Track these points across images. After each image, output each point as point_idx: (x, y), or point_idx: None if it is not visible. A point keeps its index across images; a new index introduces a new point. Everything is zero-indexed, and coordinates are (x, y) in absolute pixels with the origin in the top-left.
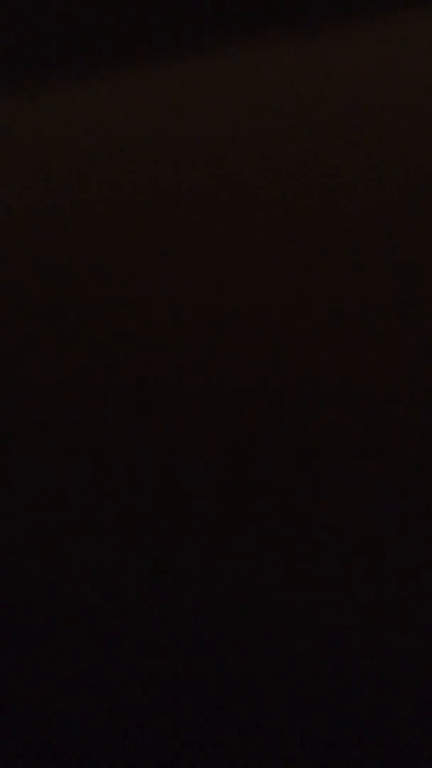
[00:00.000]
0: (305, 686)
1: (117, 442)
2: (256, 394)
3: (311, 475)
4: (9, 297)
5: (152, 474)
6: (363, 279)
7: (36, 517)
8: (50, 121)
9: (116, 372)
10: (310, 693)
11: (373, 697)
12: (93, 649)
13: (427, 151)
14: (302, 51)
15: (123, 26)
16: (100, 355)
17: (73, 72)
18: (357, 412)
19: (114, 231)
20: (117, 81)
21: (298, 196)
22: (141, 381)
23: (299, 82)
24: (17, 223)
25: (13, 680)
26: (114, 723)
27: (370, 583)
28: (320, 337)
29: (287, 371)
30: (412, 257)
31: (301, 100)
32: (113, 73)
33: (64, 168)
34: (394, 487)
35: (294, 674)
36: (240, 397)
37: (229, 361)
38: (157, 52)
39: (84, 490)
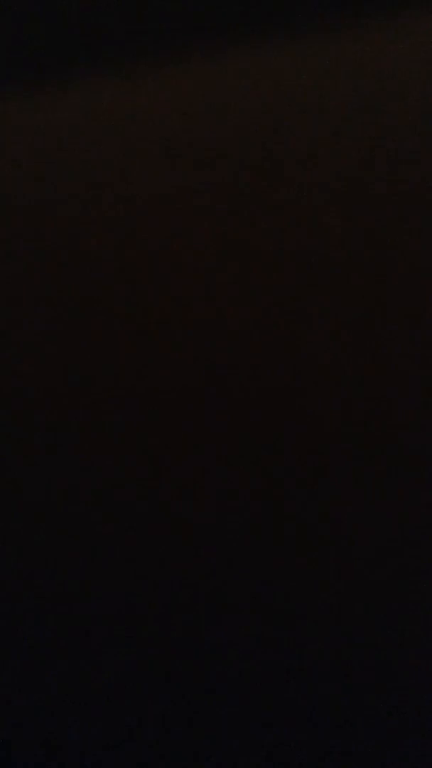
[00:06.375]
0: (305, 687)
1: (117, 443)
2: (257, 393)
3: (312, 476)
4: (10, 296)
5: (152, 473)
6: (364, 279)
7: (36, 517)
8: (50, 121)
9: (117, 369)
10: (311, 694)
11: (374, 697)
12: (92, 650)
13: (428, 151)
14: (302, 51)
15: (124, 27)
16: (101, 353)
17: (73, 72)
18: (357, 412)
19: (114, 230)
20: (117, 81)
21: (299, 196)
22: (141, 378)
23: (299, 83)
24: (18, 222)
25: (13, 680)
26: (113, 724)
27: (370, 583)
28: (321, 336)
29: (289, 371)
30: (413, 256)
31: (301, 100)
32: (113, 73)
33: (64, 167)
34: (394, 485)
35: (293, 676)
36: (241, 396)
37: (231, 359)
38: (157, 52)
39: (84, 489)
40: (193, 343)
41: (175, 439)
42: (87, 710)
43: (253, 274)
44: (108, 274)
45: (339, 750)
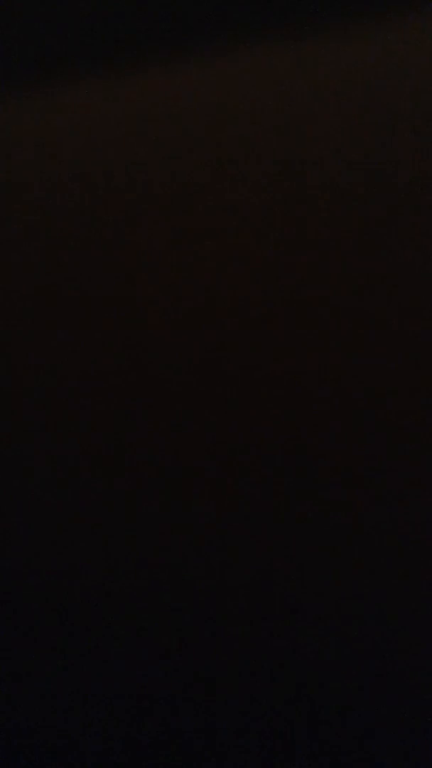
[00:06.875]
0: (305, 689)
1: (116, 443)
2: (256, 392)
3: (311, 476)
4: (10, 296)
5: (151, 473)
6: (363, 279)
7: (36, 514)
8: (50, 121)
9: (116, 371)
10: (310, 696)
11: (374, 695)
12: (92, 647)
13: (427, 151)
14: (302, 52)
15: (124, 27)
16: (100, 354)
17: (73, 72)
18: (356, 413)
19: (115, 230)
20: (117, 81)
21: (298, 196)
22: (140, 379)
23: (299, 83)
24: (18, 222)
25: (13, 679)
26: (113, 721)
27: (370, 583)
28: (319, 336)
29: (287, 369)
30: (412, 256)
31: (300, 100)
32: (113, 73)
33: (65, 167)
34: (395, 482)
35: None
36: (239, 395)
37: (230, 358)
38: (157, 52)
39: (83, 489)
40: (193, 343)
41: (173, 438)
42: (86, 705)
43: (254, 274)
44: (109, 272)
45: (339, 749)
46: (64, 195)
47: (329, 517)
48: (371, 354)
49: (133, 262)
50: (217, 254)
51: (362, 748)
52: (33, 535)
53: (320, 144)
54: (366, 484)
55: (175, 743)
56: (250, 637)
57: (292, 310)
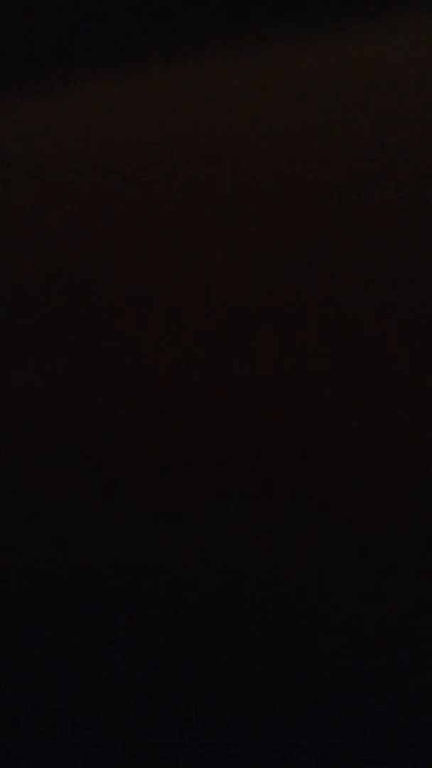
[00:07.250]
0: (304, 689)
1: (115, 443)
2: (255, 391)
3: (311, 476)
4: (9, 297)
5: (151, 472)
6: (362, 280)
7: (36, 513)
8: (50, 121)
9: (115, 371)
10: (309, 697)
11: (374, 694)
12: (91, 646)
13: (427, 151)
14: (302, 51)
15: (124, 27)
16: (100, 353)
17: (73, 72)
18: (356, 413)
19: (114, 230)
20: (117, 81)
21: (298, 196)
22: (139, 378)
23: (299, 83)
24: (18, 223)
25: (13, 679)
26: (113, 718)
27: (370, 583)
28: (319, 335)
29: (287, 369)
30: (412, 257)
31: (300, 99)
32: (113, 73)
33: (64, 167)
34: (393, 487)
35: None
36: (239, 394)
37: (230, 359)
38: (157, 52)
39: (82, 489)
40: (192, 342)
41: (173, 437)
42: (86, 706)
43: (255, 274)
44: (108, 272)
45: (339, 749)
46: (63, 195)
47: (329, 518)
48: (371, 354)
49: (132, 261)
50: (218, 254)
51: (362, 749)
52: (32, 535)
53: (320, 143)
54: (367, 484)
55: (174, 745)
56: (250, 639)
57: (291, 310)
